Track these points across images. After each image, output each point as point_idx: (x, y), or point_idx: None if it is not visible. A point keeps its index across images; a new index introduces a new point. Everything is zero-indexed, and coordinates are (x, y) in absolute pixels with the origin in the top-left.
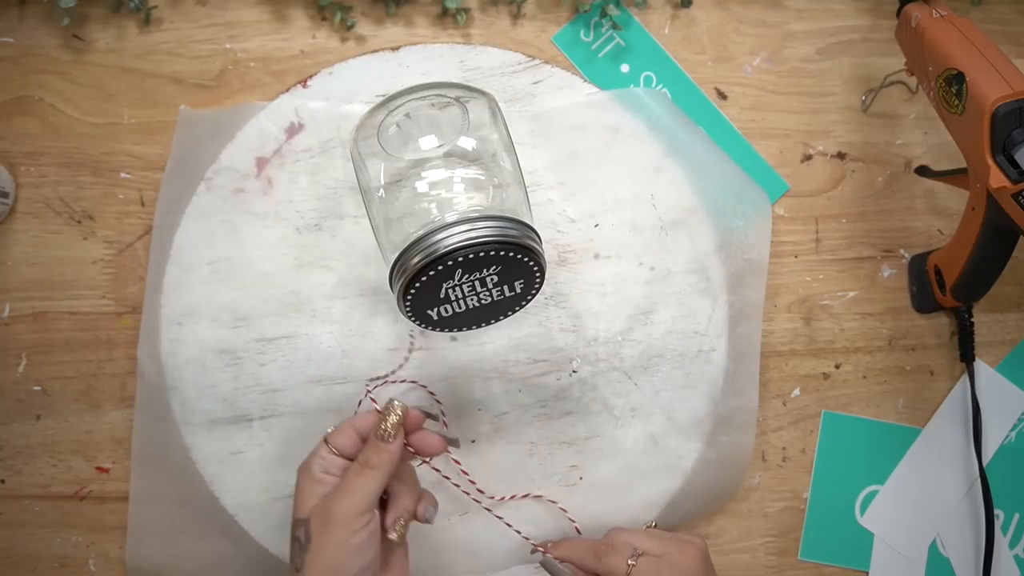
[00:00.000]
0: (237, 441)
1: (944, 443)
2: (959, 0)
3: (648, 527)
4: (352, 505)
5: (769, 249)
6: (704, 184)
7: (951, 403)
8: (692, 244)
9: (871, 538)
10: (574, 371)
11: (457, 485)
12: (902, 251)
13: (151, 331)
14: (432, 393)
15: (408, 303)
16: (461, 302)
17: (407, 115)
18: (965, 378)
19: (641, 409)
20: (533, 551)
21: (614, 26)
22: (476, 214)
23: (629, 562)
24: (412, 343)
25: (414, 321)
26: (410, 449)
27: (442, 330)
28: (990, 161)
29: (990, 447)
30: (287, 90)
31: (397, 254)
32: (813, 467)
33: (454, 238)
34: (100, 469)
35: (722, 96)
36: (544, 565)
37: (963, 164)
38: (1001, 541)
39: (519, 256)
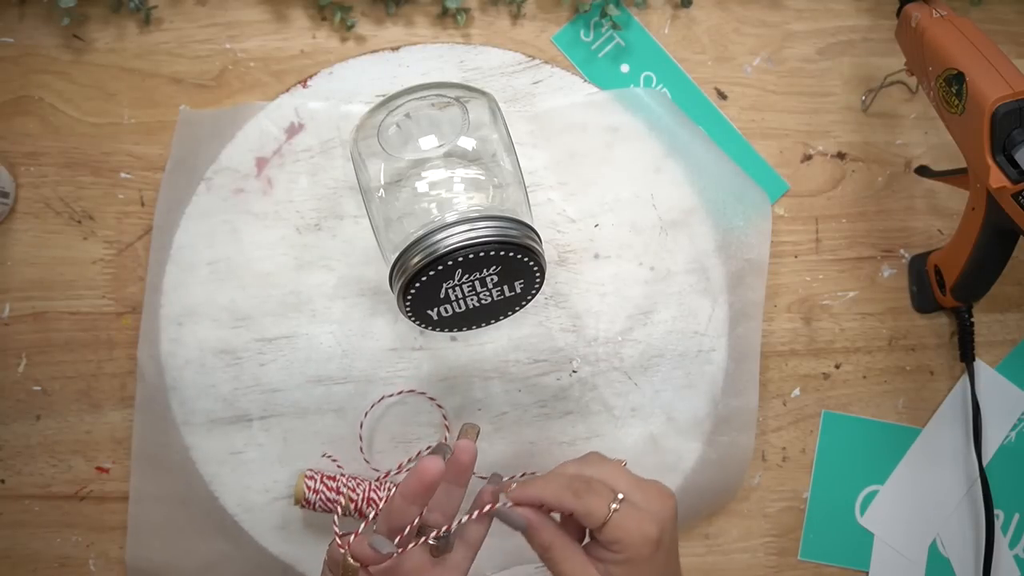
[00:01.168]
0: (237, 441)
1: (944, 443)
2: (959, 0)
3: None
4: None
5: (769, 249)
6: (704, 184)
7: (951, 403)
8: (692, 244)
9: (871, 538)
10: (574, 371)
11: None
12: (902, 251)
13: (151, 331)
14: (432, 399)
15: (408, 303)
16: (461, 302)
17: (407, 115)
18: (965, 378)
19: (641, 409)
20: (495, 490)
21: (614, 26)
22: (476, 214)
23: (612, 506)
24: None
25: (414, 321)
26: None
27: (442, 330)
28: (990, 161)
29: (990, 447)
30: (287, 90)
31: (397, 254)
32: (813, 467)
33: (454, 238)
34: (100, 469)
35: (722, 96)
36: (499, 516)
37: (963, 164)
38: (1001, 541)
39: (519, 256)
